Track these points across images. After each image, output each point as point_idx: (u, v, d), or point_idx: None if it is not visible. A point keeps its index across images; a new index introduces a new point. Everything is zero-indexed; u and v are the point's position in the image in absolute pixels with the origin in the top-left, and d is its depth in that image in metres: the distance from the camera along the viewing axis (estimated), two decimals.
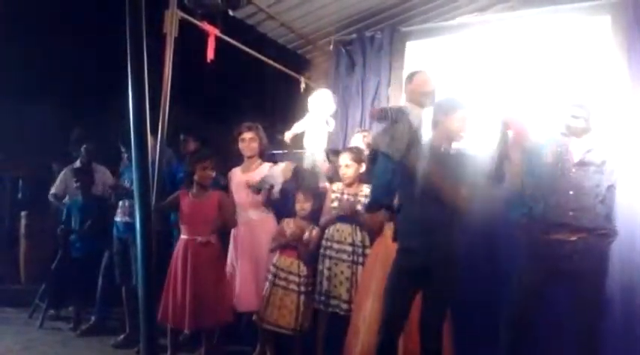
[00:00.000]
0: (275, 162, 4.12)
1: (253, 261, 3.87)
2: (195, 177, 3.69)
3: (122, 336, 4.23)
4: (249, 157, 4.03)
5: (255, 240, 3.89)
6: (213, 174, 3.75)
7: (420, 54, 4.66)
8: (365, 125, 4.68)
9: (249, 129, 3.99)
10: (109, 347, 4.18)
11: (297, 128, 4.29)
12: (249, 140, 3.99)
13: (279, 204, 4.01)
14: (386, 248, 3.39)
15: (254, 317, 3.75)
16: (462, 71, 4.29)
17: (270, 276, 3.75)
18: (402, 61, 4.73)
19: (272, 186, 3.80)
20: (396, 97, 4.59)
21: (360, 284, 3.53)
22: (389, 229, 3.43)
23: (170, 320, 3.55)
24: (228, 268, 3.92)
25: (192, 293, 3.51)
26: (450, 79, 4.20)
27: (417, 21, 4.91)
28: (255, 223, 3.93)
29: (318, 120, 4.30)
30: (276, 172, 3.87)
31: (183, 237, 3.69)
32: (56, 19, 7.27)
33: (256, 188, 3.81)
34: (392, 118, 3.28)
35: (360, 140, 4.02)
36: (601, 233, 2.80)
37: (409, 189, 2.84)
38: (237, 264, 3.91)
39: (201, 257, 3.60)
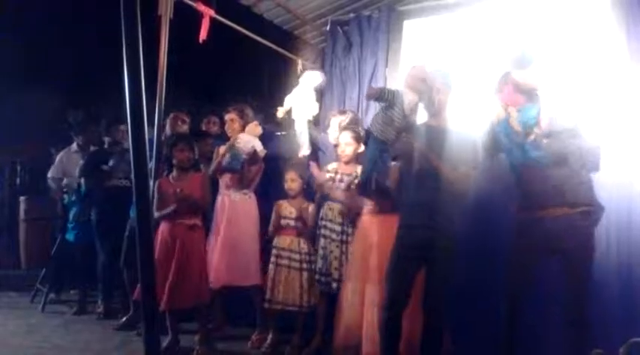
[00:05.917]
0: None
1: (232, 239, 3.92)
2: (174, 161, 3.74)
3: (124, 318, 4.27)
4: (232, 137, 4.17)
5: (235, 219, 3.96)
6: (191, 154, 3.79)
7: (417, 33, 4.63)
8: (362, 105, 4.66)
9: (231, 110, 4.17)
10: (111, 329, 4.22)
11: (288, 103, 4.31)
12: (230, 121, 4.16)
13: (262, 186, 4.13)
14: (363, 229, 3.45)
15: (263, 303, 3.75)
16: (460, 49, 4.26)
17: (272, 258, 3.78)
18: (399, 40, 4.69)
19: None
20: (394, 77, 4.57)
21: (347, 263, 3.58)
22: (367, 208, 3.46)
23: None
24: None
25: (177, 274, 3.54)
26: (448, 57, 4.18)
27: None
28: (237, 204, 4.00)
29: (306, 96, 4.33)
30: (244, 140, 4.00)
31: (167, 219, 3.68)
32: (55, 5, 7.22)
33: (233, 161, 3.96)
34: (389, 101, 3.23)
35: (336, 124, 3.88)
36: (585, 210, 2.72)
37: (408, 166, 2.88)
38: (215, 240, 3.96)
39: (187, 239, 3.62)
